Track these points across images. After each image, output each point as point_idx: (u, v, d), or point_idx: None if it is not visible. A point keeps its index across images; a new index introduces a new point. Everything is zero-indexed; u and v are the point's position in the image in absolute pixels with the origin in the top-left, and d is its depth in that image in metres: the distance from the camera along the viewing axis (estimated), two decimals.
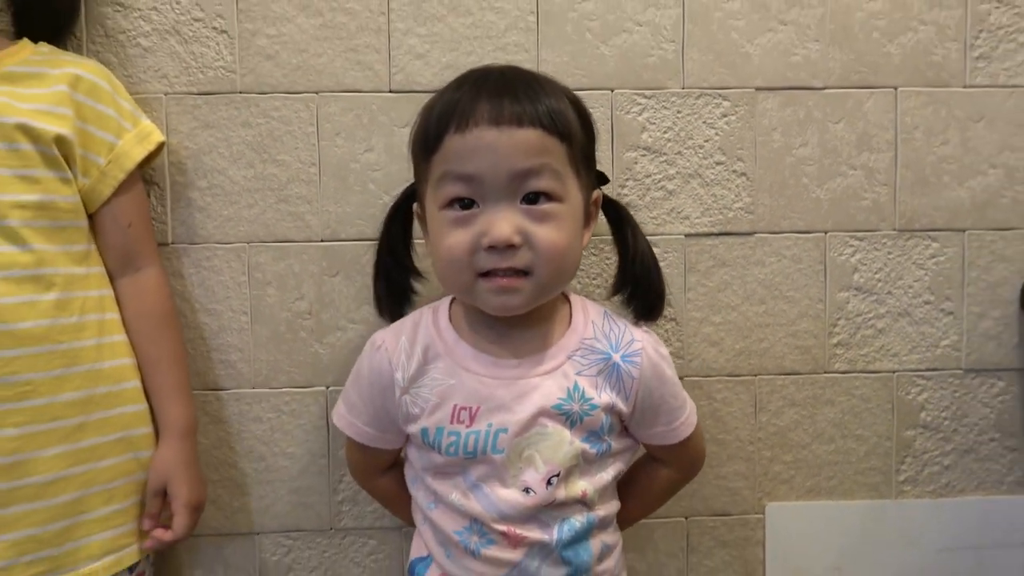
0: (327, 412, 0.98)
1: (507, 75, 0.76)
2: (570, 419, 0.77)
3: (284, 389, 0.98)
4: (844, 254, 1.02)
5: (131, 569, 0.88)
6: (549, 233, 0.73)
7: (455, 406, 0.77)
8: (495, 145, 0.71)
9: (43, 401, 0.79)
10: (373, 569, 1.00)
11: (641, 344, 0.81)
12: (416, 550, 0.84)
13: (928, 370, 1.03)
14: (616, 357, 0.80)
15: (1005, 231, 1.02)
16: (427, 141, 0.75)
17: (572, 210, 0.75)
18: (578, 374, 0.78)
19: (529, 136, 0.71)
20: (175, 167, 0.97)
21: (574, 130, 0.75)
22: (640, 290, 0.85)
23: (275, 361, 0.98)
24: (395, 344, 0.81)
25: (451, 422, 0.77)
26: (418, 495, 0.82)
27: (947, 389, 1.03)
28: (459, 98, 0.73)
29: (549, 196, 0.73)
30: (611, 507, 0.82)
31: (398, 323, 0.84)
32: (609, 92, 0.98)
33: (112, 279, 0.89)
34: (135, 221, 0.89)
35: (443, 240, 0.75)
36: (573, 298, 0.84)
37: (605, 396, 0.78)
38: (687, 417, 0.84)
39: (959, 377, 1.03)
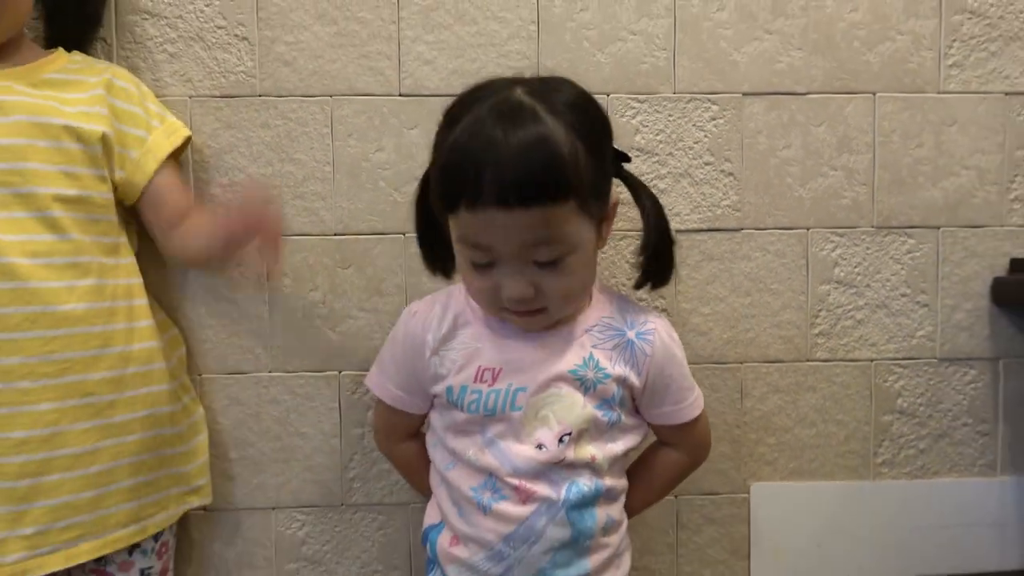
0: (339, 395, 1.05)
1: (511, 140, 0.73)
2: (584, 385, 0.82)
3: (299, 373, 1.05)
4: (825, 249, 1.08)
5: (155, 538, 0.94)
6: (559, 282, 0.78)
7: (479, 367, 0.83)
8: (504, 225, 0.74)
9: (79, 378, 0.85)
10: (381, 543, 1.07)
11: (655, 325, 0.86)
12: (429, 518, 0.89)
13: (904, 359, 1.09)
14: (631, 334, 0.85)
15: (977, 228, 1.08)
16: (443, 199, 0.78)
17: (583, 249, 0.79)
18: (594, 347, 0.84)
19: (535, 215, 0.74)
20: (199, 165, 1.03)
21: (581, 174, 0.75)
22: (656, 251, 0.86)
23: (291, 347, 1.05)
24: (428, 311, 0.87)
25: (475, 381, 0.82)
26: (437, 457, 0.87)
27: (922, 377, 1.09)
28: (468, 171, 0.74)
29: (559, 255, 0.77)
30: (620, 482, 0.86)
31: (434, 294, 0.90)
32: (605, 97, 1.05)
33: (168, 236, 0.96)
34: (174, 193, 0.95)
35: (466, 277, 0.82)
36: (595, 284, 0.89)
37: (619, 369, 0.83)
38: (695, 400, 0.89)
39: (933, 366, 1.09)
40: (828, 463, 1.09)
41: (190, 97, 1.03)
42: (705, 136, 1.06)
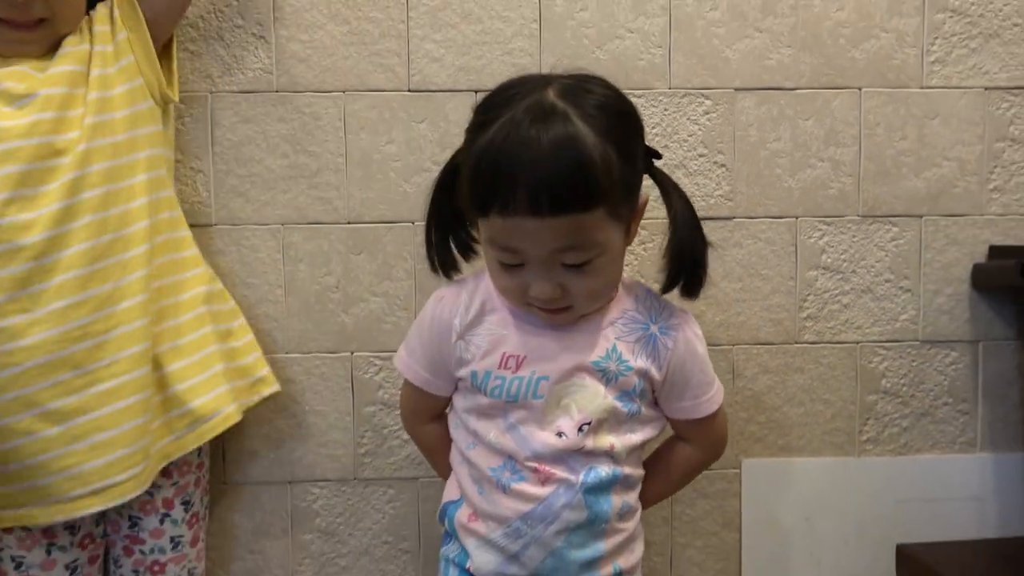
0: (352, 375, 1.11)
1: (544, 147, 0.74)
2: (606, 376, 0.83)
3: (314, 354, 1.11)
4: (813, 237, 1.13)
5: (186, 508, 1.00)
6: (586, 283, 0.79)
7: (504, 353, 0.84)
8: (535, 231, 0.75)
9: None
10: (391, 515, 1.13)
11: (678, 320, 0.88)
12: (449, 494, 0.91)
13: (888, 341, 1.15)
14: (654, 328, 0.86)
15: (957, 217, 1.14)
16: (474, 203, 0.78)
17: (611, 251, 0.79)
18: (617, 339, 0.85)
19: (566, 223, 0.75)
20: (218, 157, 1.09)
21: (613, 181, 0.76)
22: (684, 255, 0.84)
23: (306, 329, 1.11)
24: (456, 297, 0.88)
25: (499, 367, 0.84)
26: (458, 437, 0.89)
27: (905, 358, 1.15)
28: (501, 179, 0.75)
29: (587, 259, 0.78)
30: (637, 471, 0.88)
31: (459, 280, 0.90)
32: None
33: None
34: None
35: (494, 274, 0.83)
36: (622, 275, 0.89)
37: (640, 362, 0.84)
38: (714, 394, 0.89)
39: (916, 348, 1.15)
40: (816, 440, 1.15)
41: (211, 93, 1.09)
42: (699, 129, 1.12)
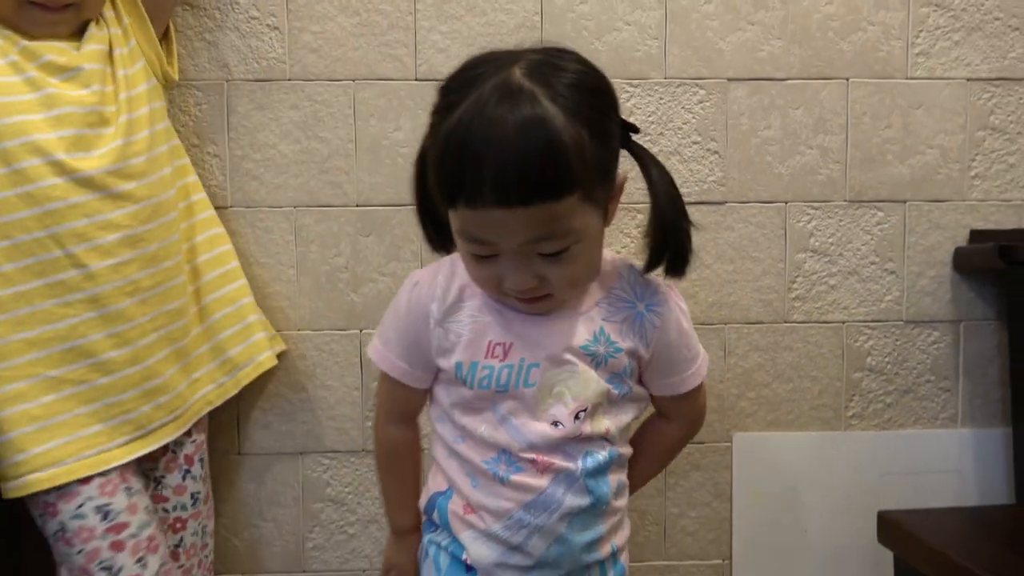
0: (361, 351, 1.16)
1: (511, 134, 0.69)
2: (595, 360, 0.80)
3: (324, 331, 1.16)
4: (802, 221, 1.18)
5: (203, 465, 1.07)
6: (565, 271, 0.75)
7: (490, 341, 0.80)
8: (506, 222, 0.71)
9: None
10: None
11: (664, 296, 0.85)
12: (435, 485, 0.87)
13: (873, 321, 1.20)
14: (640, 307, 0.83)
15: (940, 202, 1.19)
16: (441, 193, 0.74)
17: (589, 236, 0.75)
18: (604, 320, 0.82)
19: (538, 212, 0.70)
20: (234, 142, 1.14)
21: (586, 164, 0.71)
22: (666, 230, 0.79)
23: (317, 308, 1.16)
24: (432, 280, 0.84)
25: (486, 356, 0.80)
26: (444, 431, 0.85)
27: (890, 338, 1.20)
28: (466, 169, 0.70)
29: (564, 247, 0.73)
30: (627, 448, 0.87)
31: (437, 263, 0.87)
32: None
33: None
34: None
35: (467, 265, 0.79)
36: (604, 253, 0.84)
37: (628, 342, 0.82)
38: (699, 367, 0.87)
39: (900, 327, 1.20)
40: (803, 415, 1.20)
41: (226, 81, 1.14)
42: (693, 118, 1.17)
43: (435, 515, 0.86)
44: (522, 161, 0.69)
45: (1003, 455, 1.19)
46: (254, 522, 1.18)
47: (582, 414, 0.80)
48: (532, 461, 0.80)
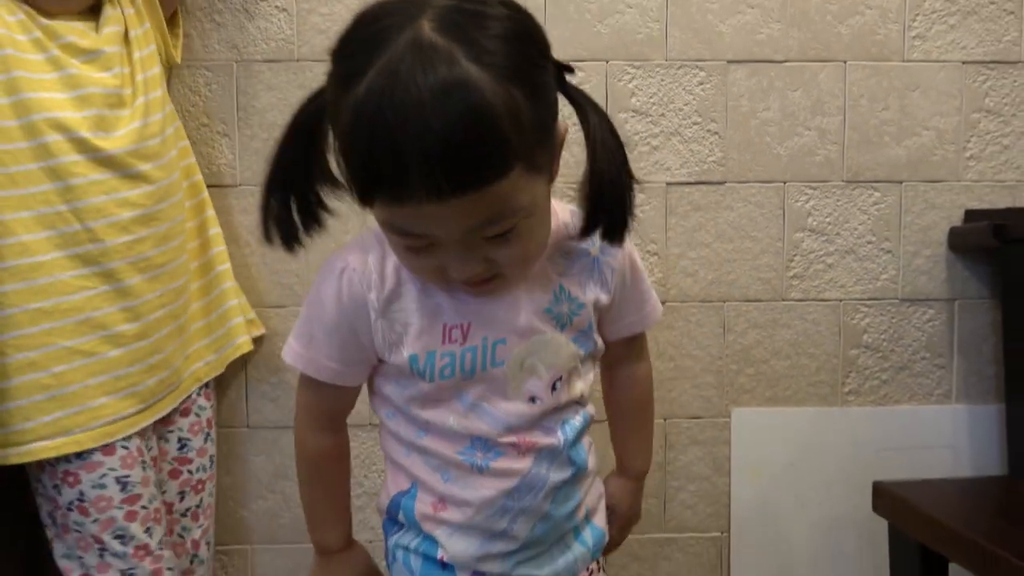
0: None
1: (430, 108, 0.56)
2: (560, 321, 0.74)
3: None
4: (800, 201, 1.21)
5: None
6: (516, 251, 0.66)
7: (445, 325, 0.71)
8: (440, 215, 0.60)
9: None
10: None
11: None
12: (395, 485, 0.78)
13: (870, 299, 1.22)
14: (594, 251, 0.76)
15: (936, 183, 1.21)
16: (355, 188, 0.62)
17: (538, 207, 0.66)
18: (561, 276, 0.75)
19: (476, 198, 0.59)
20: (243, 122, 1.17)
21: (523, 131, 0.60)
22: (604, 193, 0.67)
23: None
24: (363, 263, 0.72)
25: (443, 343, 0.71)
26: (400, 428, 0.76)
27: (886, 315, 1.22)
28: (382, 160, 0.58)
29: (510, 227, 0.63)
30: (591, 407, 0.81)
31: (356, 241, 0.75)
32: (604, 63, 1.18)
33: None
34: None
35: (399, 256, 0.69)
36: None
37: (590, 293, 0.76)
38: (655, 303, 0.84)
39: (896, 305, 1.22)
40: (801, 391, 1.22)
41: (236, 62, 1.16)
42: (693, 99, 1.19)
43: (400, 516, 0.78)
44: (450, 146, 0.57)
45: (996, 431, 1.22)
46: (262, 494, 1.20)
47: (559, 383, 0.74)
48: (513, 444, 0.73)
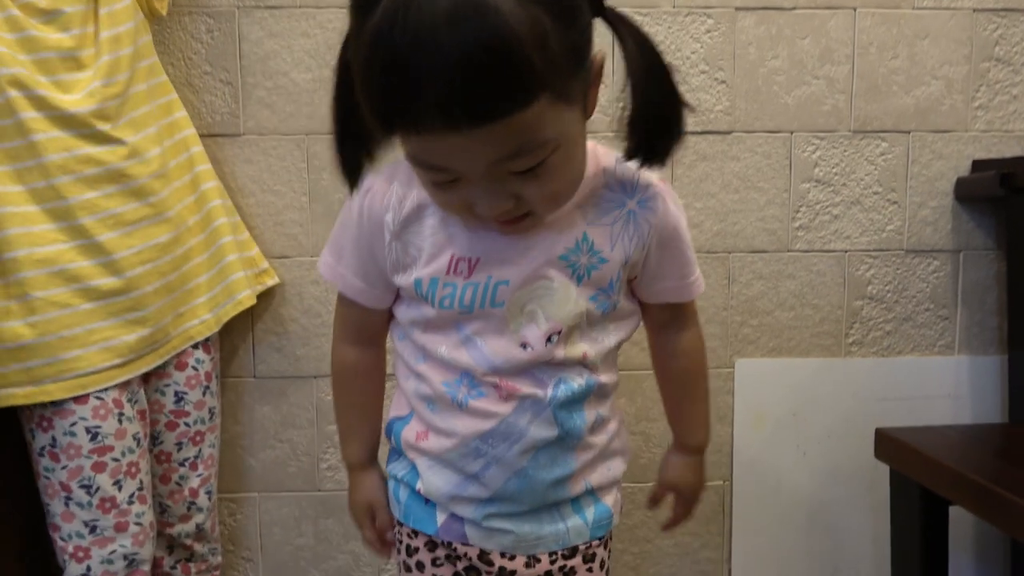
0: None
1: (445, 32, 0.53)
2: (576, 273, 0.71)
3: None
4: (807, 151, 1.20)
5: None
6: (546, 187, 0.63)
7: (453, 256, 0.70)
8: (462, 147, 0.58)
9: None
10: None
11: (658, 190, 0.73)
12: (396, 409, 0.81)
13: (875, 250, 1.22)
14: (631, 204, 0.72)
15: (943, 133, 1.20)
16: (375, 119, 0.59)
17: (569, 140, 0.62)
18: (589, 224, 0.71)
19: (499, 129, 0.56)
20: (246, 70, 1.15)
21: (551, 56, 0.56)
22: (649, 118, 0.64)
23: (329, 234, 1.18)
24: (386, 187, 0.72)
25: (448, 273, 0.70)
26: (405, 351, 0.77)
27: (890, 267, 1.22)
28: (399, 88, 0.55)
29: (539, 160, 0.61)
30: (612, 376, 0.77)
31: (391, 164, 0.71)
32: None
33: None
34: None
35: (427, 190, 0.67)
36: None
37: (619, 249, 0.72)
38: (699, 277, 0.78)
39: (900, 257, 1.22)
40: (804, 342, 1.23)
41: (238, 8, 1.14)
42: (701, 47, 1.18)
43: (392, 440, 0.80)
44: (466, 73, 0.54)
45: (998, 381, 1.22)
46: (270, 443, 1.21)
47: (555, 337, 0.71)
48: (495, 386, 0.72)
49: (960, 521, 1.13)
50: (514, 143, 0.58)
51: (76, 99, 0.93)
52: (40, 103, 0.91)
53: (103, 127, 0.94)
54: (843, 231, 1.21)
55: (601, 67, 0.65)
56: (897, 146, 1.20)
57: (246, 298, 1.12)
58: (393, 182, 0.72)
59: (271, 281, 1.16)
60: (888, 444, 1.01)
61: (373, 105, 0.58)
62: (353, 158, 0.67)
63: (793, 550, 1.24)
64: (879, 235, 1.22)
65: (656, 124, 0.65)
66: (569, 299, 0.71)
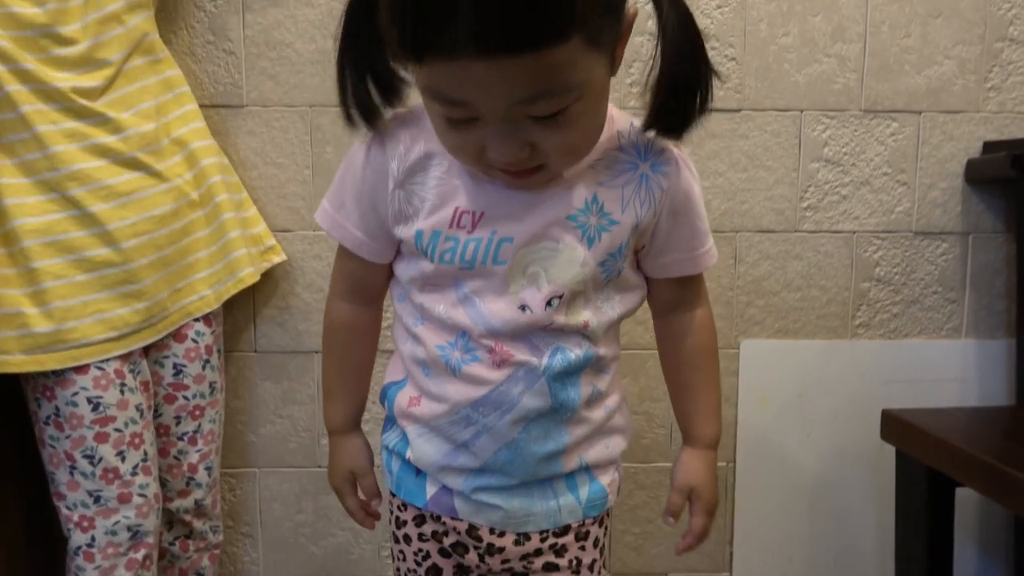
0: None
1: None
2: (587, 235, 0.68)
3: None
4: (817, 130, 1.19)
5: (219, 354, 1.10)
6: (562, 138, 0.61)
7: (457, 209, 0.68)
8: (488, 78, 0.56)
9: None
10: None
11: (673, 155, 0.71)
12: (391, 374, 0.79)
13: (883, 232, 1.21)
14: (644, 167, 0.69)
15: (955, 114, 1.19)
16: (398, 40, 0.58)
17: (592, 91, 0.61)
18: (600, 185, 0.69)
19: (529, 63, 0.55)
20: (249, 40, 1.14)
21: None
22: (679, 83, 0.64)
23: None
24: (394, 133, 0.70)
25: (450, 226, 0.68)
26: (404, 312, 0.75)
27: (899, 248, 1.21)
28: (433, 8, 0.55)
29: (561, 107, 0.59)
30: (613, 350, 0.75)
31: (399, 113, 0.70)
32: None
33: None
34: None
35: (438, 130, 0.65)
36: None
37: (630, 212, 0.69)
38: (711, 248, 0.75)
39: (909, 239, 1.21)
40: (811, 324, 1.22)
41: None
42: (711, 23, 1.16)
43: (385, 406, 0.79)
44: None
45: (1005, 365, 1.21)
46: (270, 419, 1.20)
47: (556, 301, 0.68)
48: (490, 350, 0.69)
49: (964, 506, 1.12)
50: (541, 82, 0.57)
51: (61, 75, 0.91)
52: (24, 76, 0.90)
53: (90, 103, 0.93)
54: (852, 212, 1.20)
55: (632, 22, 0.63)
56: (908, 126, 1.19)
57: (248, 276, 1.10)
58: (401, 129, 0.70)
59: (277, 259, 1.15)
60: (895, 425, 1.00)
61: (403, 30, 0.56)
62: (364, 97, 0.66)
63: (796, 532, 1.23)
64: (888, 216, 1.20)
65: (684, 92, 0.64)
66: (575, 262, 0.68)
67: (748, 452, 1.22)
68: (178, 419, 1.05)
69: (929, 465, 0.95)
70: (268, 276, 1.17)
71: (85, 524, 0.95)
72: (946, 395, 1.21)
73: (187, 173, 1.03)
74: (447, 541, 0.77)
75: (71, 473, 0.94)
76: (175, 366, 1.04)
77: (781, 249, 1.20)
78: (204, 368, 1.05)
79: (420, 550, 0.78)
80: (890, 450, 1.03)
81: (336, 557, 1.23)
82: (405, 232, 0.70)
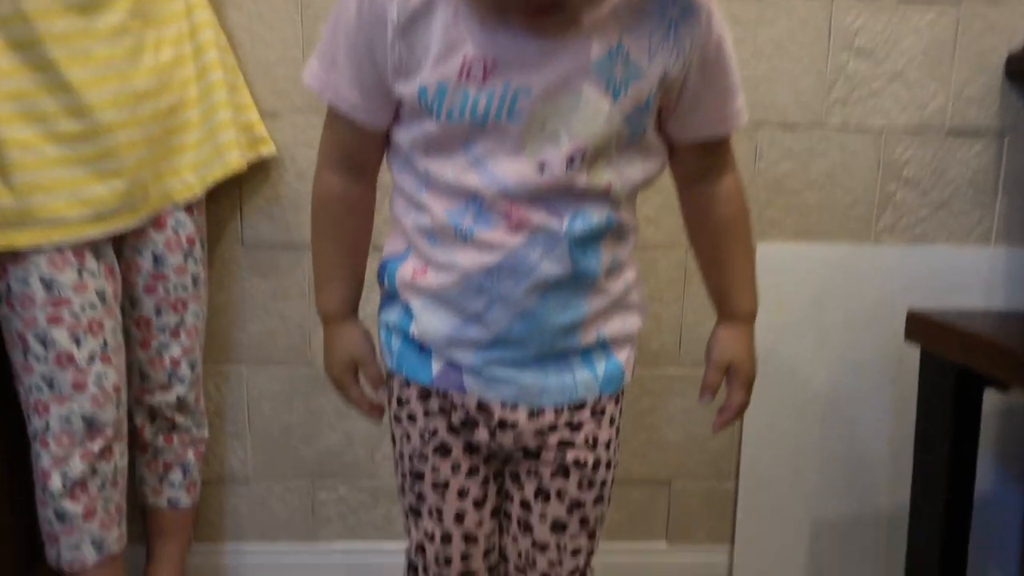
0: None
1: None
2: (612, 85, 0.62)
3: None
4: (848, 18, 1.10)
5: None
6: None
7: (465, 57, 0.61)
8: None
9: None
10: None
11: (701, 4, 0.64)
12: (391, 248, 0.73)
13: (914, 130, 1.13)
14: (673, 13, 0.63)
15: (997, 2, 1.10)
16: None
17: None
18: (624, 31, 0.62)
19: None
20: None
21: None
22: None
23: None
24: None
25: (459, 78, 0.61)
26: (405, 182, 0.69)
27: (930, 148, 1.14)
28: None
29: None
30: (633, 219, 0.71)
31: None
32: None
33: None
34: None
35: None
36: None
37: (658, 62, 0.63)
38: (741, 106, 0.70)
39: (941, 138, 1.13)
40: (833, 226, 1.15)
41: None
42: None
43: (385, 282, 0.73)
44: None
45: None
46: (258, 315, 1.14)
47: (578, 159, 0.63)
48: (505, 214, 0.64)
49: (984, 422, 1.06)
50: None
51: None
52: None
53: None
54: (881, 107, 1.12)
55: None
56: (945, 16, 1.10)
57: (235, 160, 1.02)
58: None
59: (266, 151, 1.07)
60: (921, 324, 0.95)
61: None
62: None
63: (806, 441, 1.19)
64: (920, 113, 1.13)
65: None
66: (599, 114, 0.62)
67: (762, 357, 1.14)
68: (159, 311, 0.98)
69: (958, 363, 0.89)
70: (256, 165, 1.09)
71: (40, 408, 0.90)
72: (972, 303, 1.15)
73: (185, 46, 0.96)
74: (455, 417, 0.71)
75: (24, 356, 0.89)
76: (154, 255, 0.97)
77: (805, 146, 1.13)
78: (186, 260, 0.99)
79: (427, 427, 0.72)
80: (907, 359, 0.98)
81: (329, 459, 1.18)
82: (406, 88, 0.63)
